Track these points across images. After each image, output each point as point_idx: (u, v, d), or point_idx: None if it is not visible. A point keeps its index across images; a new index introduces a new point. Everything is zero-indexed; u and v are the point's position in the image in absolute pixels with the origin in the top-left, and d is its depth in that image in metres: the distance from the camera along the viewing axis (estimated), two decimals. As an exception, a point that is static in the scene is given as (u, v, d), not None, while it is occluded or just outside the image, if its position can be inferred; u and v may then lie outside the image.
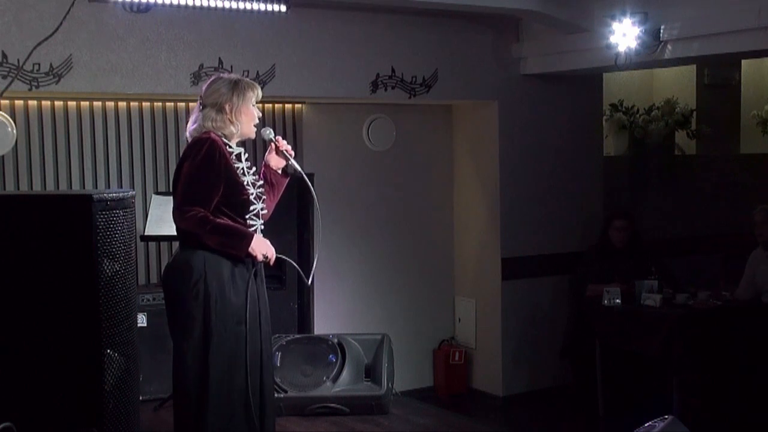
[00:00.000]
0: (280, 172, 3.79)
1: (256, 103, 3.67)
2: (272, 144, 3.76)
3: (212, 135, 3.50)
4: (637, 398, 5.89)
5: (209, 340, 3.45)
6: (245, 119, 3.60)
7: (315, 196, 3.82)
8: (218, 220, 3.45)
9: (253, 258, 3.53)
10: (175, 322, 3.53)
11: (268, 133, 3.78)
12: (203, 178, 3.44)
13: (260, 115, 3.69)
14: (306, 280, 3.80)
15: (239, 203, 3.54)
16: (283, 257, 3.71)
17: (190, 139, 3.61)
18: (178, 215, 3.43)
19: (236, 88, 3.57)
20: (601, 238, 6.39)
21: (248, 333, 3.54)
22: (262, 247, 3.54)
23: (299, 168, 3.77)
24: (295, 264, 3.82)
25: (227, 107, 3.55)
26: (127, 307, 3.74)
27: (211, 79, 3.65)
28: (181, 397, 3.52)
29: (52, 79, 4.82)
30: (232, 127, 3.57)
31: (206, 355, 3.45)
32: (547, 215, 6.55)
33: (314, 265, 3.89)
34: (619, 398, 5.99)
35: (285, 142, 3.78)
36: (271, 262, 3.60)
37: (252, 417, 3.55)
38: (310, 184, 3.75)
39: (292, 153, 3.79)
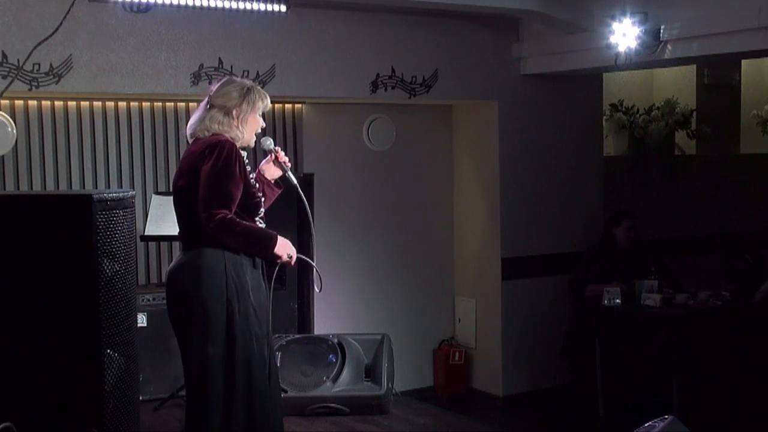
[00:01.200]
0: (273, 182, 3.80)
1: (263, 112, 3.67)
2: (271, 154, 3.77)
3: (228, 137, 3.51)
4: (637, 398, 5.89)
5: (234, 345, 3.44)
6: (249, 128, 3.60)
7: (308, 210, 3.79)
8: (244, 222, 3.46)
9: (277, 259, 3.53)
10: (191, 326, 3.47)
11: (269, 143, 3.79)
12: (230, 180, 3.43)
13: (264, 125, 3.69)
14: (318, 289, 3.79)
15: (252, 206, 3.55)
16: (304, 257, 3.70)
17: (191, 138, 3.61)
18: (207, 217, 3.38)
19: (248, 95, 3.56)
20: (603, 237, 6.39)
21: (267, 334, 3.57)
22: (286, 248, 3.54)
23: (295, 181, 3.78)
24: (314, 265, 3.79)
25: (234, 112, 3.54)
26: (127, 307, 3.73)
27: (223, 80, 3.64)
28: (207, 404, 3.48)
29: (52, 79, 4.82)
30: (237, 132, 3.55)
31: (232, 360, 3.44)
32: (547, 215, 6.55)
33: (319, 274, 3.80)
34: (619, 398, 5.99)
35: (283, 153, 3.79)
36: (292, 263, 3.59)
37: (279, 417, 3.64)
38: (304, 197, 3.74)
39: (290, 165, 3.80)
